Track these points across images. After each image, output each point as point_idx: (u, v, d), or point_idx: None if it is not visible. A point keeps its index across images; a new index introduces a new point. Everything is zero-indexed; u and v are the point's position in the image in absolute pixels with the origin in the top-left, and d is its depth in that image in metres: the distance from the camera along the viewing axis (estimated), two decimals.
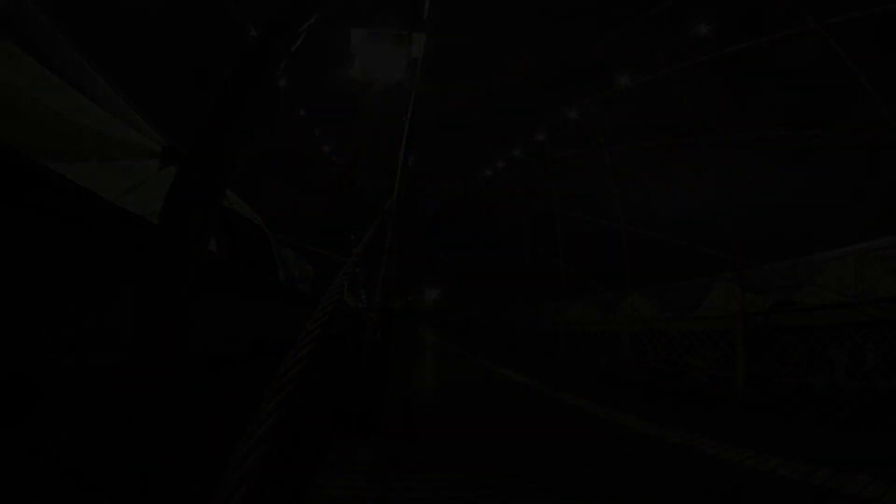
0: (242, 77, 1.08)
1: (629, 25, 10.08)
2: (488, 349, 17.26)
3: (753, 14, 8.32)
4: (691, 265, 10.05)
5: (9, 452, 0.56)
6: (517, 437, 4.40)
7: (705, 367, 8.06)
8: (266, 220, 4.36)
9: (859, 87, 6.67)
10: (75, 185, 0.67)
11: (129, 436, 0.76)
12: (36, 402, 0.59)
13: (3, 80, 1.48)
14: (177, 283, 0.84)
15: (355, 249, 2.06)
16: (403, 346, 4.73)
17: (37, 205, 0.60)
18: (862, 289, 6.44)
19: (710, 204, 9.08)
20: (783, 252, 8.38)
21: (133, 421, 0.76)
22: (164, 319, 0.82)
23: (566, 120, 13.14)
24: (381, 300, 5.05)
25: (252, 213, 4.04)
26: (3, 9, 1.64)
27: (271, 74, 1.13)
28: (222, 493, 0.66)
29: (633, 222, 11.75)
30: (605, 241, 12.40)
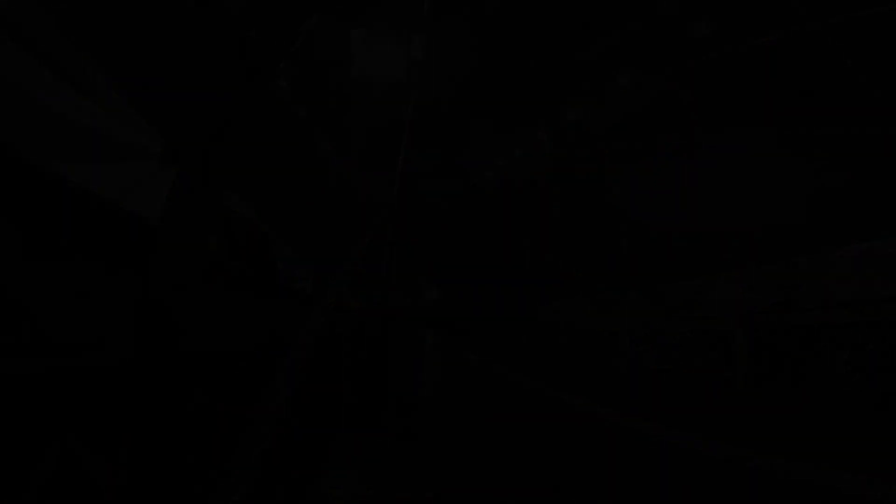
0: (242, 77, 1.08)
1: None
2: (488, 349, 17.23)
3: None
4: (691, 265, 10.04)
5: (12, 451, 0.56)
6: (517, 437, 4.40)
7: (705, 367, 8.04)
8: (266, 220, 4.36)
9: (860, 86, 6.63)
10: (75, 185, 0.67)
11: (129, 435, 0.76)
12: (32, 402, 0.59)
13: (3, 80, 1.48)
14: (176, 283, 0.84)
15: (355, 249, 2.06)
16: (403, 346, 4.73)
17: (36, 204, 0.60)
18: (863, 289, 6.43)
19: (712, 202, 9.06)
20: (783, 251, 8.37)
21: (133, 420, 0.76)
22: (164, 319, 0.82)
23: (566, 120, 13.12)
24: (380, 300, 5.04)
25: (251, 214, 4.04)
26: (2, 9, 1.64)
27: (271, 74, 1.13)
28: (223, 493, 0.66)
29: (632, 222, 11.73)
30: (604, 240, 12.37)
